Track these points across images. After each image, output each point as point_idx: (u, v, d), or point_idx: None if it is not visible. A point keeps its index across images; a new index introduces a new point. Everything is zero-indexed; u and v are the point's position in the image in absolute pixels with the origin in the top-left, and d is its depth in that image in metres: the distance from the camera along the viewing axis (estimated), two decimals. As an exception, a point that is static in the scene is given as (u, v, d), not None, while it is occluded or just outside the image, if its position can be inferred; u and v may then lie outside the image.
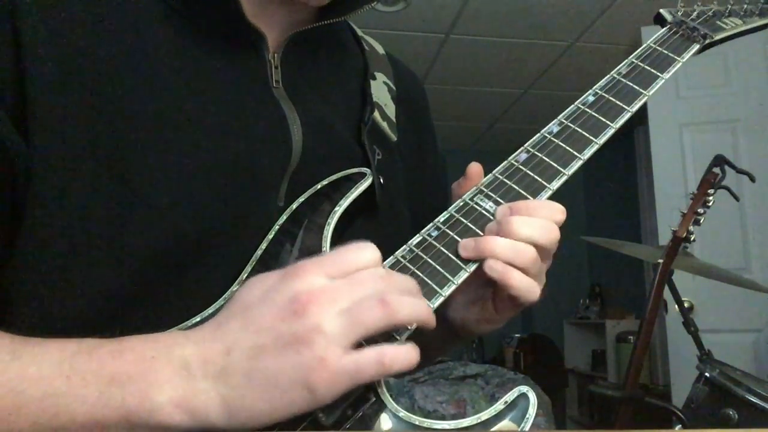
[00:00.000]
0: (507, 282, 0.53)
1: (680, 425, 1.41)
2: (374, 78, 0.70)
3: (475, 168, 0.60)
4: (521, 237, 0.53)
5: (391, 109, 0.70)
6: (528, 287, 0.54)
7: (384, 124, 0.67)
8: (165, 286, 0.51)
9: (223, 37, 0.58)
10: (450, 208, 0.58)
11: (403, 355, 0.43)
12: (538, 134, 0.61)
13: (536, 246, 0.54)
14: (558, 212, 0.56)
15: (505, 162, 0.60)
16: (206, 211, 0.53)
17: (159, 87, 0.53)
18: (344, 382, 0.42)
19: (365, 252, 0.46)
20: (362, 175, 0.60)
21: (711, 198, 1.56)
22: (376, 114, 0.67)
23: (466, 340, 0.69)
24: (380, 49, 0.76)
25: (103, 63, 0.52)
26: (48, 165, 0.48)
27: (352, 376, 0.42)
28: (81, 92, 0.50)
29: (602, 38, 3.20)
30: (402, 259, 0.54)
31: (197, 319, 0.50)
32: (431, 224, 0.57)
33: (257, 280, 0.46)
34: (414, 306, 0.45)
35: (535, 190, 0.57)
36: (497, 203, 0.57)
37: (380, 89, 0.70)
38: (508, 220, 0.54)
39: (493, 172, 0.59)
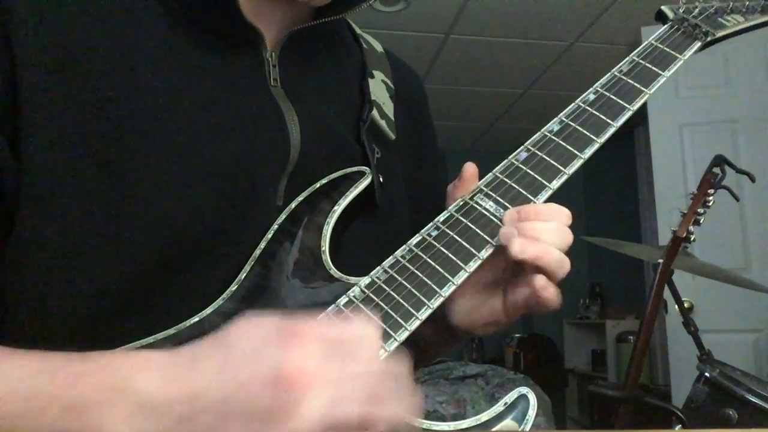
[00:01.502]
0: (546, 297, 0.53)
1: (680, 425, 1.40)
2: (372, 76, 0.70)
3: (470, 169, 0.60)
4: (550, 243, 0.53)
5: (389, 108, 0.70)
6: (557, 298, 0.54)
7: (382, 123, 0.67)
8: (164, 285, 0.51)
9: (221, 35, 0.58)
10: (450, 208, 0.58)
11: None
12: (539, 133, 0.60)
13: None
14: (566, 217, 0.56)
15: (506, 161, 0.59)
16: (204, 211, 0.52)
17: (156, 86, 0.53)
18: None
19: (369, 337, 0.42)
20: (362, 174, 0.60)
21: (711, 198, 1.56)
22: (375, 112, 0.67)
23: (465, 339, 0.69)
24: (378, 47, 0.76)
25: (100, 62, 0.51)
26: (45, 165, 0.48)
27: None
28: (77, 93, 0.50)
29: (602, 38, 3.20)
30: (402, 259, 0.54)
31: (196, 319, 0.50)
32: (431, 224, 0.57)
33: (252, 325, 0.41)
34: (394, 417, 0.41)
35: (536, 190, 0.57)
36: (497, 203, 0.57)
37: (378, 87, 0.70)
38: (534, 227, 0.53)
39: (493, 171, 0.59)
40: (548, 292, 0.53)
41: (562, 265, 0.53)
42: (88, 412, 0.40)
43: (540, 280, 0.53)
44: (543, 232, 0.53)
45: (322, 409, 0.38)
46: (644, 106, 0.62)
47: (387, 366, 0.42)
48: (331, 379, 0.39)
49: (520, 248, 0.52)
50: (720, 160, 1.58)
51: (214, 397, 0.39)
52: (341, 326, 0.44)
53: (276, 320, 0.41)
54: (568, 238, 0.55)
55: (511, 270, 0.57)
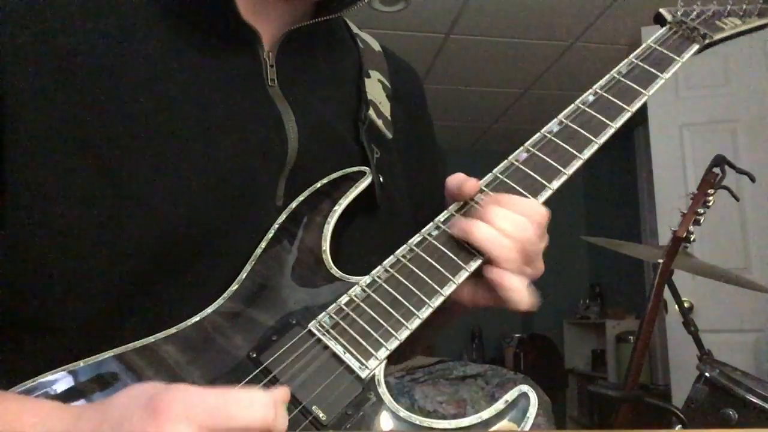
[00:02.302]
0: (502, 282, 0.52)
1: (680, 425, 1.40)
2: (369, 76, 0.70)
3: (471, 185, 0.58)
4: (496, 227, 0.52)
5: (386, 107, 0.70)
6: (521, 294, 0.52)
7: (379, 122, 0.67)
8: (164, 285, 0.51)
9: (218, 35, 0.58)
10: (450, 207, 0.58)
11: None
12: (538, 133, 0.61)
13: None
14: (538, 213, 0.54)
15: (505, 161, 0.60)
16: (202, 212, 0.53)
17: (153, 87, 0.53)
18: None
19: (253, 409, 0.37)
20: (362, 174, 0.60)
21: (711, 198, 1.56)
22: (371, 112, 0.67)
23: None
24: (376, 46, 0.76)
25: (96, 63, 0.52)
26: (42, 167, 0.48)
27: None
28: (74, 93, 0.50)
29: (602, 38, 3.20)
30: (402, 258, 0.54)
31: (196, 318, 0.50)
32: (432, 223, 0.57)
33: (129, 395, 0.40)
34: None
35: (536, 190, 0.57)
36: (497, 202, 0.57)
37: (374, 87, 0.70)
38: (488, 209, 0.53)
39: (493, 171, 0.59)
40: (505, 280, 0.52)
41: (506, 251, 0.52)
42: None
43: (494, 273, 0.52)
44: (496, 217, 0.52)
45: None
46: (644, 106, 0.62)
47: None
48: None
49: (459, 227, 0.52)
50: (720, 160, 1.58)
51: None
52: (218, 394, 0.39)
53: (151, 391, 0.39)
54: (524, 230, 0.53)
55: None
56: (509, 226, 0.52)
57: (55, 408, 0.42)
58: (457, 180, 0.57)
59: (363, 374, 0.48)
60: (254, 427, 0.37)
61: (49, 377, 0.45)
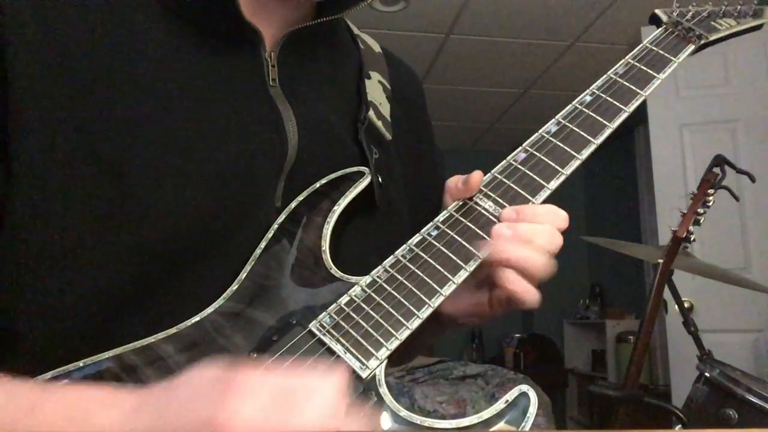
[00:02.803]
0: (516, 292, 0.54)
1: (680, 425, 1.40)
2: (369, 77, 0.70)
3: (476, 178, 0.59)
4: (535, 246, 0.54)
5: (385, 108, 0.70)
6: (532, 297, 0.54)
7: (379, 123, 0.67)
8: (163, 285, 0.51)
9: (220, 35, 0.58)
10: (449, 207, 0.58)
11: None
12: (537, 134, 0.61)
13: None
14: (562, 220, 0.56)
15: (504, 161, 0.60)
16: (202, 211, 0.53)
17: (154, 86, 0.53)
18: None
19: (323, 390, 0.40)
20: (361, 174, 0.60)
21: (711, 198, 1.56)
22: (371, 113, 0.67)
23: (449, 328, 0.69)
24: (376, 47, 0.76)
25: (98, 62, 0.52)
26: (43, 166, 0.48)
27: None
28: (74, 92, 0.50)
29: (602, 38, 3.20)
30: (402, 258, 0.54)
31: (196, 318, 0.50)
32: (431, 223, 0.57)
33: (196, 375, 0.41)
34: None
35: (534, 190, 0.57)
36: (496, 203, 0.57)
37: (375, 88, 0.70)
38: (519, 228, 0.54)
39: (492, 171, 0.59)
40: (519, 287, 0.53)
41: (544, 267, 0.54)
42: None
43: (509, 276, 0.53)
44: (534, 235, 0.54)
45: None
46: (644, 106, 0.62)
47: (339, 423, 0.39)
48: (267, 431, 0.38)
49: (497, 250, 0.53)
50: (720, 160, 1.58)
51: None
52: (293, 376, 0.41)
53: (220, 369, 0.40)
54: (557, 241, 0.55)
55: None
56: (546, 242, 0.54)
57: (118, 395, 0.42)
58: (459, 179, 0.58)
59: (364, 374, 0.48)
60: (327, 396, 0.39)
61: (48, 377, 0.45)
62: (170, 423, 0.39)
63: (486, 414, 0.47)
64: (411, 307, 0.51)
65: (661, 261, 1.55)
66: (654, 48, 0.66)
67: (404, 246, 0.56)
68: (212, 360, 0.43)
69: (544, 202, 0.57)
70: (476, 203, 0.57)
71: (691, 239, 1.55)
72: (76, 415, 0.41)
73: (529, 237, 0.54)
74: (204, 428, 0.37)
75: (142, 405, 0.41)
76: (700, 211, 1.55)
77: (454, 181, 0.60)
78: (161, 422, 0.39)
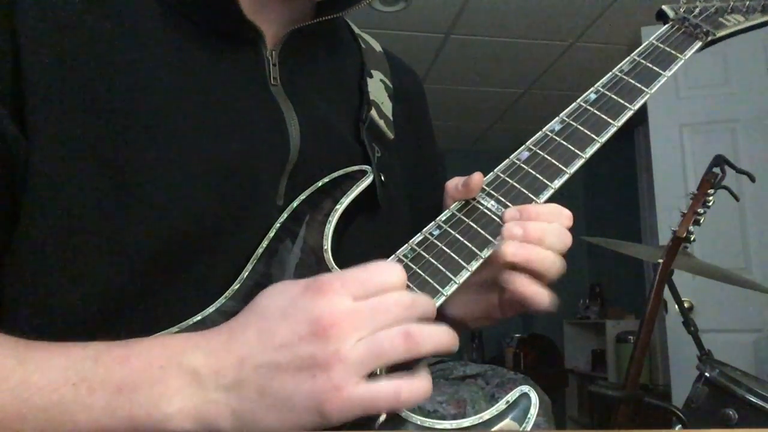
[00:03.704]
0: (530, 296, 0.53)
1: (680, 425, 1.40)
2: (371, 76, 0.70)
3: (477, 179, 0.58)
4: (547, 246, 0.53)
5: (387, 107, 0.70)
6: (546, 299, 0.54)
7: (381, 123, 0.67)
8: (165, 284, 0.51)
9: (221, 34, 0.58)
10: (452, 207, 0.58)
11: (420, 390, 0.42)
12: (540, 132, 0.60)
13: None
14: (567, 218, 0.56)
15: (507, 160, 0.60)
16: (204, 210, 0.52)
17: (156, 85, 0.53)
18: (357, 411, 0.41)
19: (392, 273, 0.45)
20: (363, 173, 0.60)
21: (711, 198, 1.56)
22: (373, 112, 0.67)
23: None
24: (377, 47, 0.76)
25: (101, 62, 0.52)
26: (45, 163, 0.48)
27: (365, 406, 0.41)
28: (79, 91, 0.50)
29: (602, 38, 3.20)
30: (404, 258, 0.54)
31: (198, 317, 0.50)
32: (433, 223, 0.57)
33: (278, 290, 0.44)
34: (437, 337, 0.43)
35: (537, 189, 0.57)
36: (499, 202, 0.57)
37: (377, 87, 0.70)
38: (537, 228, 0.54)
39: (495, 170, 0.59)
40: (531, 290, 0.53)
41: (556, 267, 0.54)
42: (139, 390, 0.41)
43: (521, 279, 0.53)
44: (545, 234, 0.53)
45: (364, 348, 0.41)
46: (644, 106, 0.62)
47: (416, 297, 0.45)
48: (365, 315, 0.42)
49: (512, 252, 0.52)
50: (720, 160, 1.58)
51: (258, 360, 0.41)
52: (362, 270, 0.45)
53: (299, 282, 0.44)
54: (567, 240, 0.55)
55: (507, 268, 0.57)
56: (556, 241, 0.54)
57: (203, 334, 0.44)
58: (459, 181, 0.58)
59: (365, 374, 0.48)
60: (395, 284, 0.44)
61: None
62: (273, 339, 0.41)
63: (487, 414, 0.47)
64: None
65: (661, 261, 1.55)
66: (660, 45, 0.66)
67: (406, 245, 0.55)
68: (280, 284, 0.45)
69: (547, 201, 0.57)
70: (479, 202, 0.57)
71: (691, 239, 1.55)
72: (167, 361, 0.42)
73: (540, 237, 0.53)
74: (308, 332, 0.40)
75: (233, 334, 0.43)
76: (700, 211, 1.55)
77: (454, 183, 0.60)
78: (262, 341, 0.41)
